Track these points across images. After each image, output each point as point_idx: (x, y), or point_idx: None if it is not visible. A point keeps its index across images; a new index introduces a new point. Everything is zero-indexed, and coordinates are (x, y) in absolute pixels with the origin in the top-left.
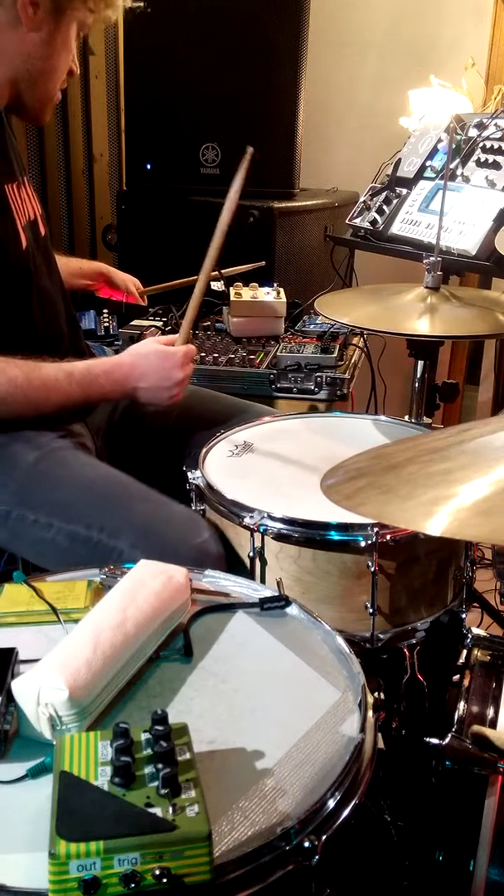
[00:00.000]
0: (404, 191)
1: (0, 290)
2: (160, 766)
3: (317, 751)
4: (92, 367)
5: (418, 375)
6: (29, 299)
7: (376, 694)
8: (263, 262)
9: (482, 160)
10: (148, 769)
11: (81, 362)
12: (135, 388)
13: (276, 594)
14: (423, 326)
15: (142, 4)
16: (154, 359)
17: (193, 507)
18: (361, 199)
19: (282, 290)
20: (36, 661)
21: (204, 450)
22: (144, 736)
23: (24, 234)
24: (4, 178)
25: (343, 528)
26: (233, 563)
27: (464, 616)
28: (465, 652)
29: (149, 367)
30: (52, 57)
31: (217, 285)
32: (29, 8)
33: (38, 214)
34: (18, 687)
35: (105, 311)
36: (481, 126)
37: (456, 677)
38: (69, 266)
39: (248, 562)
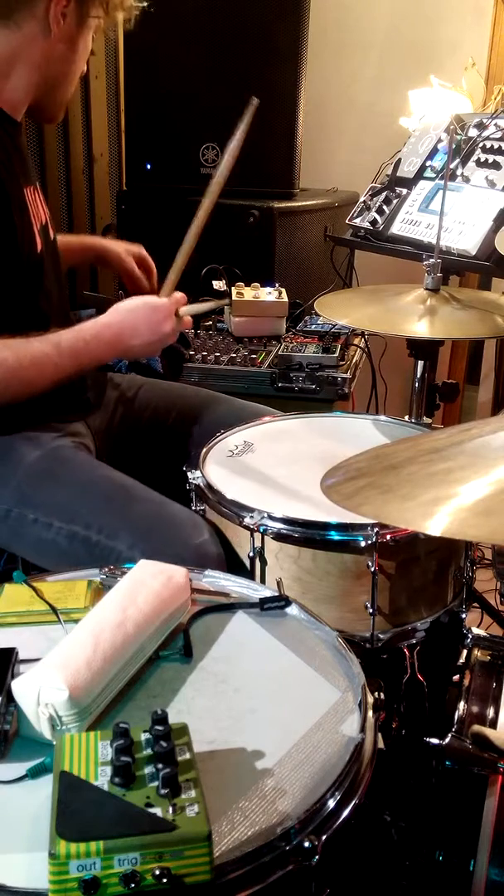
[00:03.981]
0: (404, 191)
1: (11, 289)
2: (160, 766)
3: (317, 751)
4: (80, 333)
5: (418, 375)
6: (36, 300)
7: (376, 694)
8: (227, 301)
9: (482, 160)
10: (148, 769)
11: (68, 330)
12: (127, 347)
13: (276, 594)
14: (422, 329)
15: (145, 4)
16: (142, 312)
17: (193, 508)
18: (361, 199)
19: (283, 290)
20: (36, 661)
21: (204, 450)
22: (144, 736)
23: (39, 236)
24: (23, 181)
25: (343, 528)
26: (233, 564)
27: (464, 616)
28: (465, 652)
29: (138, 323)
30: (75, 62)
31: (219, 284)
32: (59, 18)
33: (48, 219)
34: (18, 687)
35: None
36: (481, 126)
37: (456, 677)
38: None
39: (248, 562)
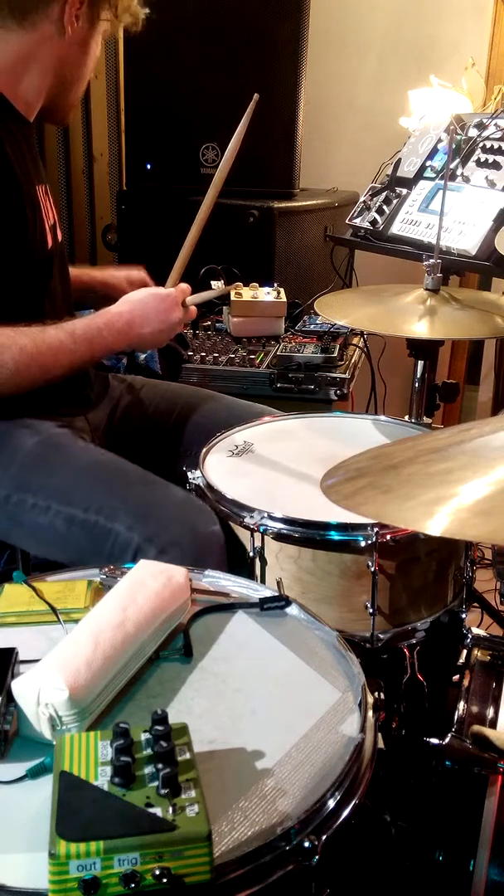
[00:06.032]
0: (404, 191)
1: (19, 285)
2: (160, 766)
3: (317, 751)
4: (92, 322)
5: (418, 375)
6: (41, 299)
7: (376, 694)
8: (232, 287)
9: (482, 160)
10: (148, 769)
11: (79, 319)
12: (138, 336)
13: (276, 594)
14: (422, 329)
15: (148, 10)
16: (150, 302)
17: None
18: (361, 199)
19: (282, 290)
20: (36, 661)
21: (204, 450)
22: (144, 736)
23: (50, 234)
24: (36, 180)
25: (343, 528)
26: (234, 561)
27: (464, 616)
28: (465, 652)
29: (147, 311)
30: (87, 63)
31: (217, 285)
32: (74, 20)
33: (56, 220)
34: (18, 687)
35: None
36: (481, 126)
37: (456, 677)
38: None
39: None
